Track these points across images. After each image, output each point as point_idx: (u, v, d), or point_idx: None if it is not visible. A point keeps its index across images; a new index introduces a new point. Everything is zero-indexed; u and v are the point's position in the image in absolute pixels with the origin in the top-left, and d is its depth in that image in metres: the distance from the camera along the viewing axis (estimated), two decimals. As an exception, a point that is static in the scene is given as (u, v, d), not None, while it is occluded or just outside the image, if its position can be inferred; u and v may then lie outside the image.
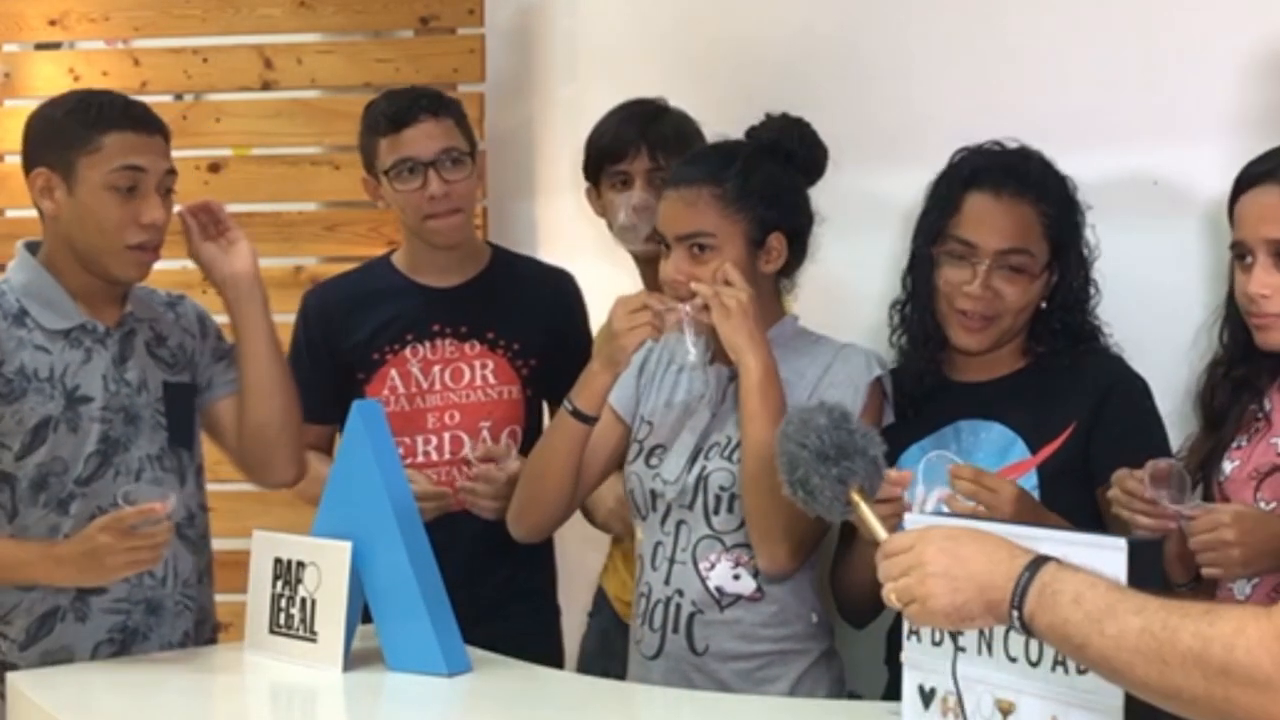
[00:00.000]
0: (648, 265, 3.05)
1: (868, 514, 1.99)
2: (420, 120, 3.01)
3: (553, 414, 3.22)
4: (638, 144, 3.01)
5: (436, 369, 3.11)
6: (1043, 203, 2.52)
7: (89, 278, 2.69)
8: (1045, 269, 2.54)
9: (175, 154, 3.94)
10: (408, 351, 3.11)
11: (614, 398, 2.71)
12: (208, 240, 2.75)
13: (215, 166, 4.06)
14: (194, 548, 2.80)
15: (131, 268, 2.67)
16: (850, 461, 2.01)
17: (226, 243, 2.75)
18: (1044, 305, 2.55)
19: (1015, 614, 1.70)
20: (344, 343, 3.13)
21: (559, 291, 3.21)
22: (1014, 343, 2.58)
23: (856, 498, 2.00)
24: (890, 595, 1.83)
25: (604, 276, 3.24)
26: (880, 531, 1.94)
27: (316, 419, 3.14)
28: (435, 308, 3.12)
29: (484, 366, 3.12)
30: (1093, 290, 2.58)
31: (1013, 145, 2.59)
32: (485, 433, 3.10)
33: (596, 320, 3.23)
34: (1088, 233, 2.57)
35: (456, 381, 3.11)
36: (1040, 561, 1.71)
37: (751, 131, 2.66)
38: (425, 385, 3.10)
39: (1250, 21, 2.63)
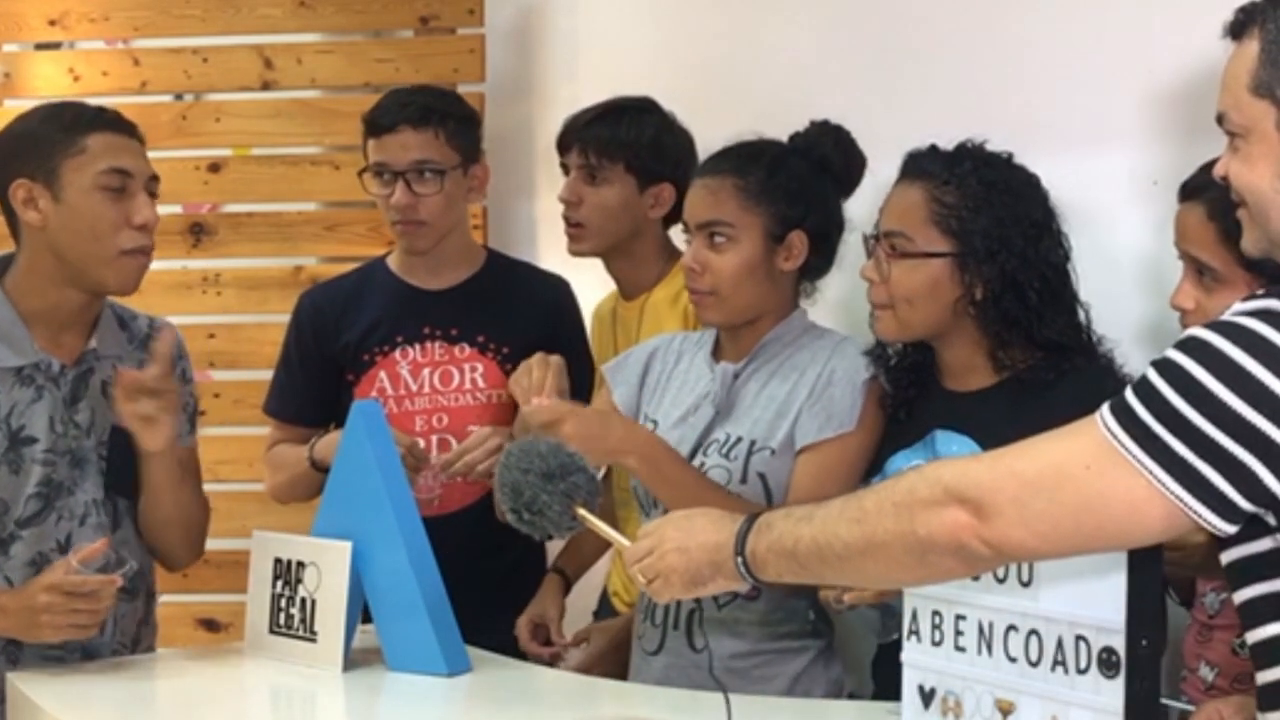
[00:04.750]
0: (611, 264, 3.13)
1: (597, 523, 2.15)
2: (399, 129, 3.01)
3: None
4: (570, 139, 3.08)
5: (426, 371, 3.11)
6: (943, 188, 2.44)
7: (60, 300, 2.61)
8: (947, 260, 2.43)
9: (175, 154, 4.02)
10: (397, 353, 3.11)
11: (618, 399, 2.74)
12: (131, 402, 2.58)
13: (215, 166, 4.06)
14: (131, 595, 2.70)
15: (126, 276, 2.61)
16: (574, 477, 2.17)
17: (148, 413, 2.58)
18: (973, 309, 2.44)
19: (739, 560, 1.90)
20: (335, 343, 3.12)
21: (552, 296, 3.20)
22: (971, 351, 2.48)
23: (583, 512, 2.16)
24: (637, 574, 2.02)
25: (602, 277, 3.24)
26: (616, 536, 2.12)
27: (303, 421, 3.15)
28: (426, 310, 3.12)
29: (474, 370, 3.11)
30: (1079, 308, 2.48)
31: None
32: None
33: (585, 318, 3.24)
34: (1064, 241, 2.48)
35: (446, 384, 3.11)
36: (760, 514, 1.92)
37: (793, 138, 2.68)
38: (414, 388, 3.10)
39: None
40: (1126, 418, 1.62)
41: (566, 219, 3.08)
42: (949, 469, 1.72)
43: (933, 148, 2.51)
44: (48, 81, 4.05)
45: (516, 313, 3.12)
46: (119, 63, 4.12)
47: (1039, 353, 2.44)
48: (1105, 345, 2.48)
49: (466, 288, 3.15)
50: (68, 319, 2.64)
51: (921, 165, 2.50)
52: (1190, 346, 1.62)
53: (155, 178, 2.66)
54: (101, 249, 2.57)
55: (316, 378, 3.14)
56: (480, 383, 3.11)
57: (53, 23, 4.10)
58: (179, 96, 4.20)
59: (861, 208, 2.67)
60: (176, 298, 4.01)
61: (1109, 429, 1.63)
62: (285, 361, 3.20)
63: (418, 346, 3.11)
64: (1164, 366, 1.63)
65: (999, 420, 2.40)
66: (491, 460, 2.92)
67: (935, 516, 1.69)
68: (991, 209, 2.44)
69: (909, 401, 2.56)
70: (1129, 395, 1.64)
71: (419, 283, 3.14)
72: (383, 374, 3.11)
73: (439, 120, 3.04)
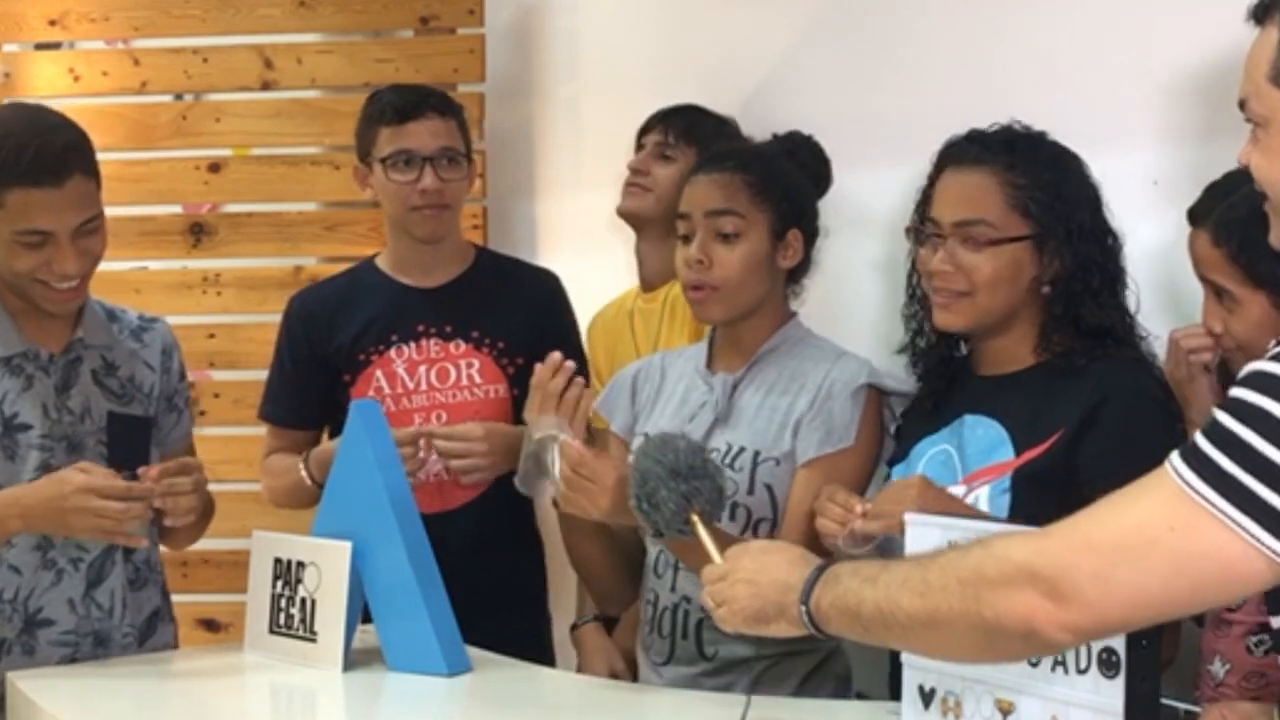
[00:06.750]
0: (644, 242, 3.14)
1: (704, 535, 2.12)
2: (426, 116, 3.06)
3: None
4: (654, 121, 3.18)
5: (422, 369, 3.11)
6: (1011, 171, 2.41)
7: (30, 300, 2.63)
8: (1027, 242, 2.40)
9: (175, 154, 4.01)
10: (393, 352, 3.11)
11: (615, 425, 2.75)
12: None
13: (215, 166, 4.05)
14: (143, 584, 2.75)
15: (52, 304, 2.62)
16: (699, 481, 2.15)
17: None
18: (1047, 289, 2.42)
19: (803, 608, 1.82)
20: (328, 346, 3.12)
21: (543, 289, 3.21)
22: (1025, 334, 2.45)
23: (695, 519, 2.14)
24: (705, 597, 1.99)
25: (602, 276, 3.24)
26: (716, 555, 2.06)
27: (299, 425, 3.16)
28: (419, 307, 3.12)
29: (470, 366, 3.11)
30: (1127, 287, 2.46)
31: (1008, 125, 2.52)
32: None
33: (584, 318, 3.25)
34: (1111, 220, 2.47)
35: (443, 381, 3.11)
36: (831, 564, 1.85)
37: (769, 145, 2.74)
38: (411, 386, 3.10)
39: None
40: (1204, 466, 1.48)
41: (631, 183, 3.15)
42: (1018, 545, 1.58)
43: (974, 132, 2.49)
44: (48, 81, 4.05)
45: (509, 307, 3.13)
46: (119, 63, 4.12)
47: (1079, 339, 2.42)
48: (1146, 338, 2.46)
49: (458, 284, 3.15)
50: (46, 313, 2.65)
51: (969, 152, 2.46)
52: (1258, 382, 1.49)
53: (91, 219, 2.57)
54: (24, 284, 2.59)
55: (311, 381, 3.14)
56: (477, 378, 3.11)
57: (53, 23, 4.10)
58: (179, 96, 4.19)
59: (865, 206, 2.68)
60: (176, 298, 4.01)
61: (1185, 481, 1.49)
62: (278, 366, 3.20)
63: (413, 344, 3.11)
64: (1235, 407, 1.49)
65: (1025, 401, 2.41)
66: (472, 463, 2.97)
67: (1004, 599, 1.56)
68: (1057, 186, 2.42)
69: (937, 394, 2.55)
70: (1201, 441, 1.50)
71: (411, 281, 3.14)
72: (379, 373, 3.11)
73: (455, 111, 3.13)
